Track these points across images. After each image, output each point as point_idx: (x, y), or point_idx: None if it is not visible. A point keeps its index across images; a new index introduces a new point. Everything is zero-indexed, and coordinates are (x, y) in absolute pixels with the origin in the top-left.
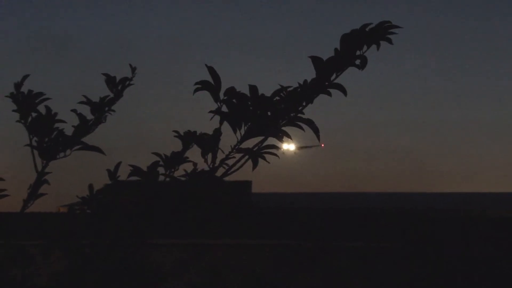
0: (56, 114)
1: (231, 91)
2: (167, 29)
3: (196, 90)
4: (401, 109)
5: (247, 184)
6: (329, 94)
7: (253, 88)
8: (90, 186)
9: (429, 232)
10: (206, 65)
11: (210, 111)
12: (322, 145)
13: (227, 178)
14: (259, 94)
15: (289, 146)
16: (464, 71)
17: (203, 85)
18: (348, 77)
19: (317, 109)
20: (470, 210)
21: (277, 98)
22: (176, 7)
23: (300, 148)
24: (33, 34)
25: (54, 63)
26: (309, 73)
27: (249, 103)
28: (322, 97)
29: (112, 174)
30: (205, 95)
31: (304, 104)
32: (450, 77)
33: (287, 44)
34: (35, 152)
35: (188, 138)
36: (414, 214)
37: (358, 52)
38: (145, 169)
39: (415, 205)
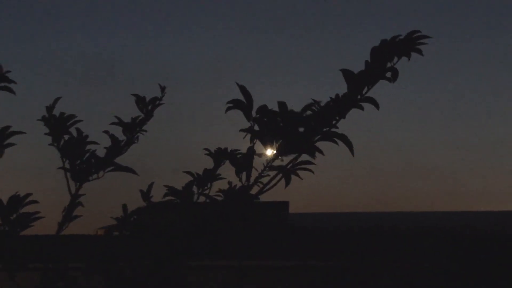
0: (87, 136)
1: (263, 109)
2: (199, 50)
3: (228, 109)
4: (440, 127)
5: (284, 204)
6: (362, 108)
7: (282, 104)
8: (124, 207)
9: (473, 252)
10: (237, 83)
11: (241, 130)
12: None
13: (264, 198)
14: (288, 110)
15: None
16: (500, 87)
17: (235, 104)
18: (382, 92)
19: (351, 127)
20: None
21: (310, 113)
22: (208, 27)
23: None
24: (65, 57)
25: (86, 85)
26: (340, 88)
27: (280, 120)
28: (354, 116)
29: (146, 194)
30: (241, 114)
31: (337, 118)
32: (487, 94)
33: (317, 60)
34: (69, 174)
35: (219, 156)
36: (455, 233)
37: (388, 64)
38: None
39: (455, 224)
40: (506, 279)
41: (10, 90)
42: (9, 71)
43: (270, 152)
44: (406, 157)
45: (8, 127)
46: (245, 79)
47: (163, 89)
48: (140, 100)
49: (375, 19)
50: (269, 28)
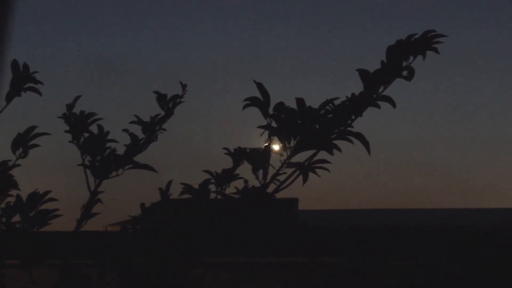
0: (108, 133)
1: (280, 106)
2: (215, 47)
3: (245, 106)
4: (450, 125)
5: (294, 201)
6: (378, 106)
7: (300, 101)
8: (142, 205)
9: (477, 249)
10: (254, 81)
11: (259, 127)
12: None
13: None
14: (306, 106)
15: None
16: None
17: (252, 101)
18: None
19: (366, 124)
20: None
21: (326, 111)
22: (222, 25)
23: (284, 149)
24: (82, 55)
25: (103, 83)
26: (354, 86)
27: (298, 117)
28: (369, 113)
29: (164, 192)
30: (256, 111)
31: (353, 117)
32: (495, 91)
33: (333, 59)
34: (88, 171)
35: (239, 155)
36: (459, 231)
37: (404, 63)
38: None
39: (459, 221)
40: None
41: (36, 91)
42: (36, 72)
43: (285, 149)
44: (415, 155)
45: (33, 127)
46: (257, 76)
47: (184, 86)
48: (161, 98)
49: (390, 17)
50: (280, 25)
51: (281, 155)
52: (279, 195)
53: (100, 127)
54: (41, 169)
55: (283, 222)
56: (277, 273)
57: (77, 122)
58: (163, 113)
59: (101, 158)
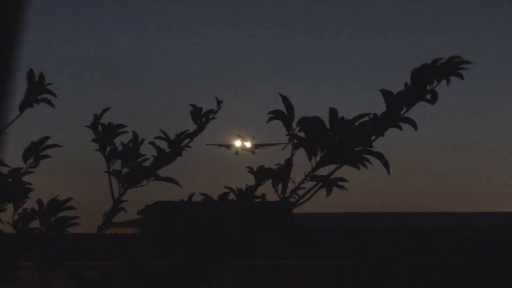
0: (143, 141)
1: (304, 120)
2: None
3: (269, 119)
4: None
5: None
6: (400, 128)
7: (333, 111)
8: (150, 207)
9: (482, 250)
10: (280, 94)
11: (287, 134)
12: (292, 142)
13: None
14: (339, 117)
15: (245, 144)
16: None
17: (276, 115)
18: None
19: None
20: None
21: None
22: (235, 33)
23: (257, 146)
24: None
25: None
26: (376, 105)
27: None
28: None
29: (186, 204)
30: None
31: (374, 137)
32: (501, 97)
33: (353, 74)
34: (113, 180)
35: (262, 175)
36: (461, 232)
37: (428, 87)
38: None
39: (458, 224)
40: None
41: (49, 103)
42: (50, 84)
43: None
44: (418, 157)
45: (46, 138)
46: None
47: (219, 102)
48: (196, 112)
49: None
50: (305, 39)
51: (253, 153)
52: (275, 199)
53: (135, 135)
54: (52, 171)
55: (279, 225)
56: (280, 274)
57: (105, 133)
58: (189, 130)
59: (130, 167)
